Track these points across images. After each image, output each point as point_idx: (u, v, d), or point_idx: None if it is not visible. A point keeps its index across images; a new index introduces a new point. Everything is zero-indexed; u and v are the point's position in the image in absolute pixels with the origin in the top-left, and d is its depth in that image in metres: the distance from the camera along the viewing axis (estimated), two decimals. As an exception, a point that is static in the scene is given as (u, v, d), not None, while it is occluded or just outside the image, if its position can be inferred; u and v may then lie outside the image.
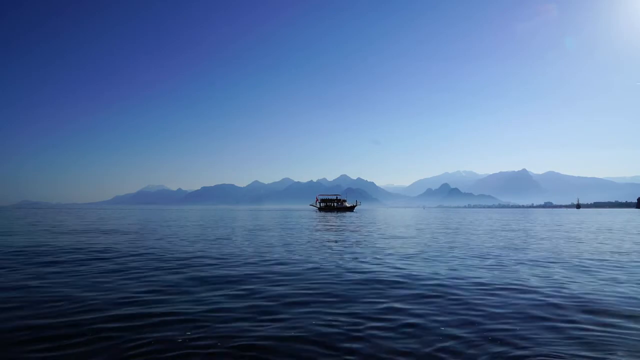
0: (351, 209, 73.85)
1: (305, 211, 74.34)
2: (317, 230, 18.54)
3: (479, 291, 5.48)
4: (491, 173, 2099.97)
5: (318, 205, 74.98)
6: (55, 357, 3.15)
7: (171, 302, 4.73)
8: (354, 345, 3.40)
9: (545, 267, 7.73)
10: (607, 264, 8.25)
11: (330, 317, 4.19)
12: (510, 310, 4.53)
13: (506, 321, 4.11)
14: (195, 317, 4.12)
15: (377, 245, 11.47)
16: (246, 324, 3.93)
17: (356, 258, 8.82)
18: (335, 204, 73.05)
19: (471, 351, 3.28)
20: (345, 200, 74.06)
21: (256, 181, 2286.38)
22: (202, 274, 6.72)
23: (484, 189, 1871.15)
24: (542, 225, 25.25)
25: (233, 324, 3.88)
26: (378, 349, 3.31)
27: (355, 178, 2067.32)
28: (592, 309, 4.61)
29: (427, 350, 3.31)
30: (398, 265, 7.70)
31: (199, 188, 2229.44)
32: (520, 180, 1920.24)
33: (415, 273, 6.84)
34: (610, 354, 3.25)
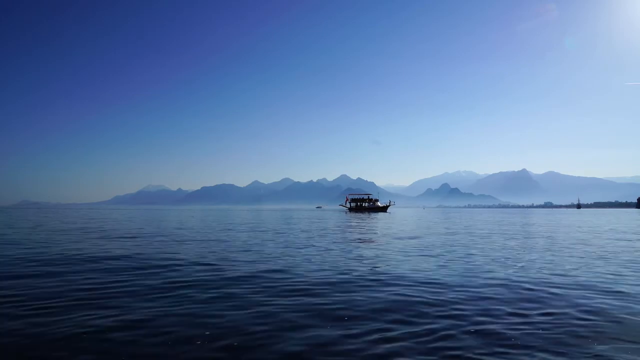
0: (384, 209, 69.48)
1: (312, 211, 71.60)
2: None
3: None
4: (491, 173, 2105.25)
5: (348, 206, 71.80)
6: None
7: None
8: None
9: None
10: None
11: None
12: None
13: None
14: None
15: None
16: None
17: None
18: (366, 204, 69.58)
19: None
20: (377, 200, 70.34)
21: (256, 181, 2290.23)
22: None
23: (484, 189, 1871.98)
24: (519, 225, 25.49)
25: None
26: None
27: (355, 178, 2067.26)
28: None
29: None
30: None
31: (199, 188, 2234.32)
32: (520, 180, 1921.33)
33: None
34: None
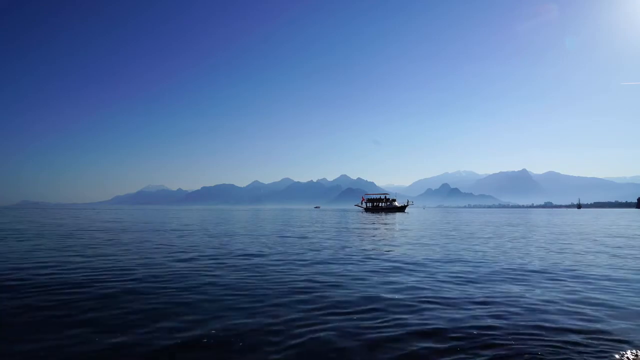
0: (402, 209, 67.87)
1: (312, 211, 71.25)
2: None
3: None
4: (491, 173, 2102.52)
5: (365, 206, 71.22)
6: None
7: None
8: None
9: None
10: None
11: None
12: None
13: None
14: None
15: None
16: None
17: None
18: (383, 204, 68.53)
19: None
20: (394, 200, 68.98)
21: (256, 181, 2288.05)
22: None
23: (484, 189, 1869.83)
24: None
25: None
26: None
27: (355, 178, 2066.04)
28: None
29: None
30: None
31: (199, 188, 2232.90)
32: (520, 180, 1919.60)
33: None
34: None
